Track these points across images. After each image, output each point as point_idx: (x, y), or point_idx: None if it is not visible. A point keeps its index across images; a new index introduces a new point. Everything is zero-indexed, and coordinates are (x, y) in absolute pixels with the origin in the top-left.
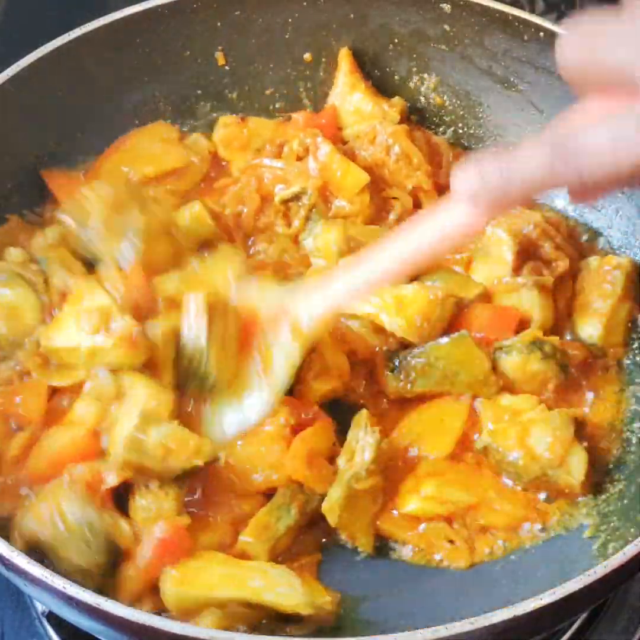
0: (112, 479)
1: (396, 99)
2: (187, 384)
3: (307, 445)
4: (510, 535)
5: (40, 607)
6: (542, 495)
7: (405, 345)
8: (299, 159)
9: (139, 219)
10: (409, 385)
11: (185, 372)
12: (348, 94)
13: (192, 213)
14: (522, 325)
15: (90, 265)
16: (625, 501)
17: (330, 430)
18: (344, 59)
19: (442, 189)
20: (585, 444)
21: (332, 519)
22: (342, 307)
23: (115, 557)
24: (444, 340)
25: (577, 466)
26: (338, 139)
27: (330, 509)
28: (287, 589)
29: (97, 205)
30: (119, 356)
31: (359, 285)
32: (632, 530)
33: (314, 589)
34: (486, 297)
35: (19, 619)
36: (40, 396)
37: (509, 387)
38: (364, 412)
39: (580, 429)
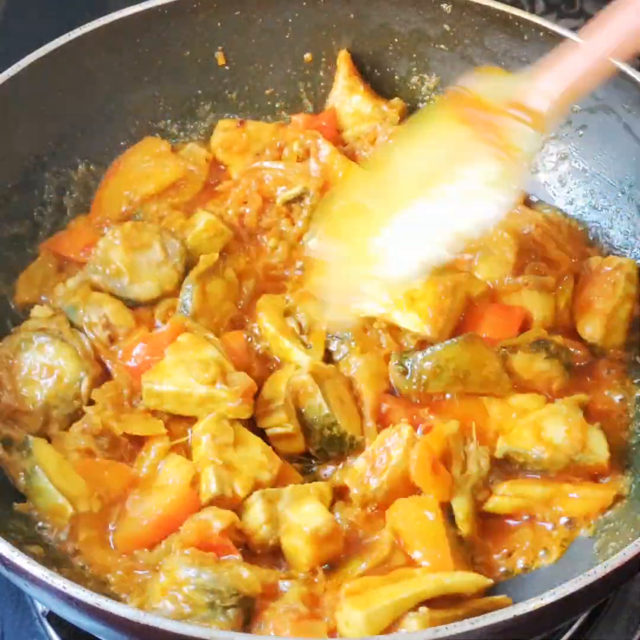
0: (219, 525)
1: (395, 100)
2: (331, 450)
3: (430, 451)
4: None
5: (40, 607)
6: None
7: (423, 343)
8: (300, 160)
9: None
10: (421, 388)
11: (328, 441)
12: (347, 96)
13: (206, 224)
14: (524, 324)
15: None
16: (626, 501)
17: (442, 436)
18: (343, 61)
19: None
20: (597, 424)
21: (466, 530)
22: (579, 84)
23: (250, 605)
24: (453, 341)
25: (598, 445)
26: (338, 141)
27: (465, 520)
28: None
29: (117, 252)
30: (233, 407)
31: (591, 58)
32: (632, 530)
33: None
34: (490, 296)
35: (19, 619)
36: (123, 478)
37: (516, 386)
38: (453, 423)
39: (587, 413)
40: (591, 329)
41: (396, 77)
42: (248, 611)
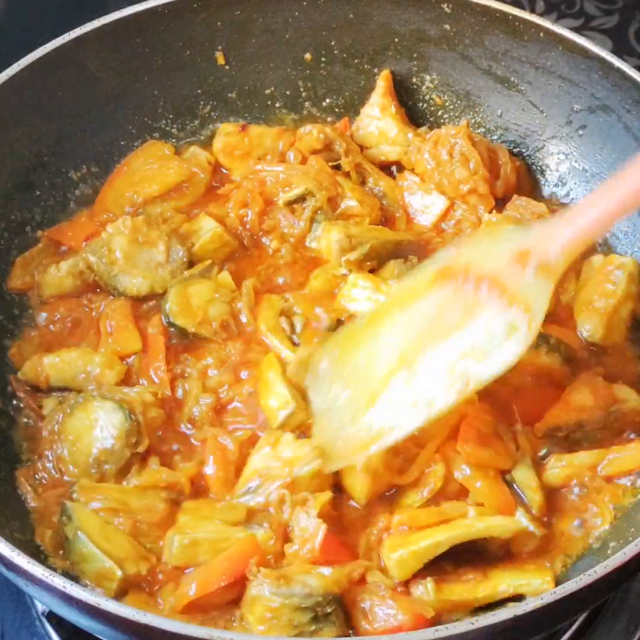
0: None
1: (423, 129)
2: None
3: (473, 429)
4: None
5: (40, 607)
6: None
7: None
8: (303, 161)
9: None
10: None
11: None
12: (379, 114)
13: (213, 236)
14: None
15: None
16: None
17: (483, 412)
18: (384, 80)
19: (497, 198)
20: (619, 381)
21: (536, 503)
22: (591, 236)
23: (342, 600)
24: None
25: (628, 394)
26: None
27: (535, 491)
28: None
29: (120, 240)
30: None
31: (609, 210)
32: (632, 530)
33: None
34: None
35: (19, 619)
36: None
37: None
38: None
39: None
40: (591, 328)
41: (396, 77)
42: (343, 607)
